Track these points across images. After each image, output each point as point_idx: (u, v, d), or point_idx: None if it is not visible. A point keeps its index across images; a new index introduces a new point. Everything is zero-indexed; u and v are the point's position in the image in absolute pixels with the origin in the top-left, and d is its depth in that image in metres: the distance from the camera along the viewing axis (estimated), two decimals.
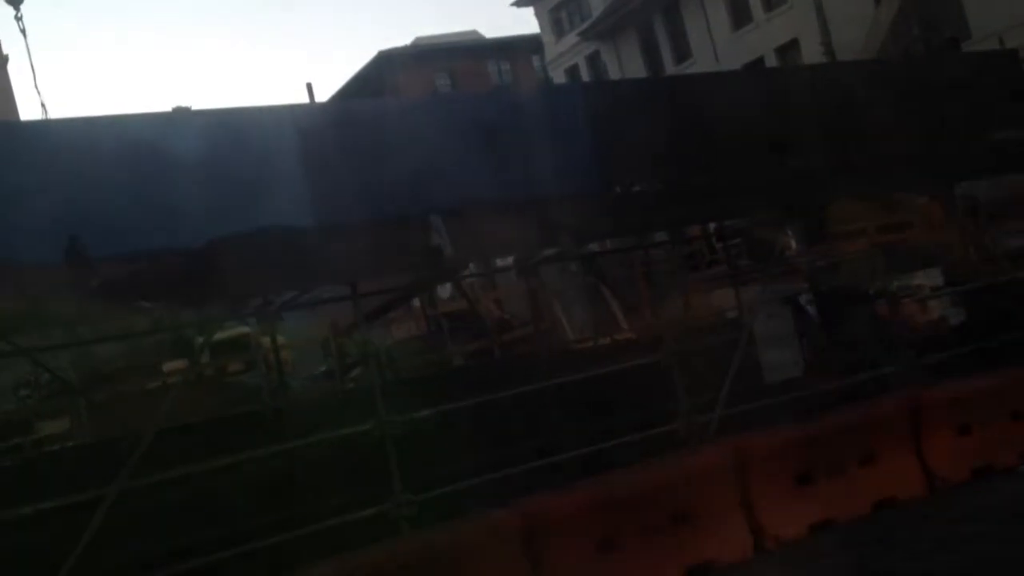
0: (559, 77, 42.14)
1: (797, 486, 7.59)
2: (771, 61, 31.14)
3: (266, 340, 11.41)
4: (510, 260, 13.15)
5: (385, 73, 44.67)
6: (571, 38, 41.69)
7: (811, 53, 27.24)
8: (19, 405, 14.99)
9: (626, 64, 38.35)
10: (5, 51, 45.55)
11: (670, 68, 35.95)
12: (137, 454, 6.26)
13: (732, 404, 8.15)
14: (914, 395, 8.29)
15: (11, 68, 46.45)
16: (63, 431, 12.30)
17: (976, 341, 9.39)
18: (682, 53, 36.04)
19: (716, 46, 33.86)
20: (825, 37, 23.89)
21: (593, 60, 40.81)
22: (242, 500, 7.26)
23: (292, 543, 6.53)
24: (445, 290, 15.70)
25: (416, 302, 15.05)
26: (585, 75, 41.02)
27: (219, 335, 14.19)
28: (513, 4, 43.78)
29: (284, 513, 6.97)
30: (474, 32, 50.78)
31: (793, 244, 10.40)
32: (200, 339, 11.65)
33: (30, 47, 41.23)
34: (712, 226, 11.98)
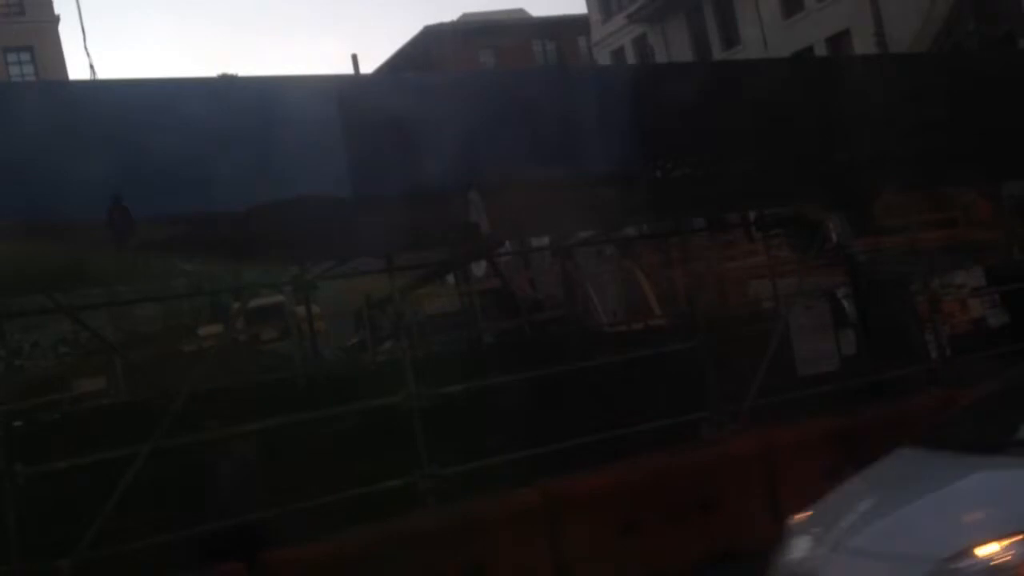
0: (604, 59, 41.83)
1: (825, 480, 7.52)
2: (821, 51, 30.61)
3: (300, 309, 11.50)
4: (545, 240, 13.14)
5: (430, 49, 44.62)
6: (618, 20, 41.31)
7: (863, 44, 26.78)
8: (59, 361, 15.29)
9: (673, 48, 37.93)
10: (56, 11, 45.94)
11: (718, 54, 35.49)
12: (170, 415, 6.35)
13: (766, 395, 8.09)
14: (946, 393, 8.17)
15: (62, 29, 46.94)
16: (99, 389, 12.55)
17: (1015, 343, 9.22)
18: (731, 39, 35.57)
19: (766, 33, 33.35)
20: (878, 28, 23.45)
21: (640, 43, 40.41)
22: (271, 465, 7.35)
23: (319, 509, 6.60)
24: (480, 267, 15.72)
25: (451, 278, 15.09)
26: (631, 58, 40.68)
27: (255, 302, 14.35)
28: None
29: (311, 480, 7.03)
30: (521, 10, 50.53)
31: (834, 237, 10.25)
32: (236, 305, 11.77)
33: (81, 8, 41.75)
34: (752, 215, 11.84)
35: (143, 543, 6.06)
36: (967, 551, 4.17)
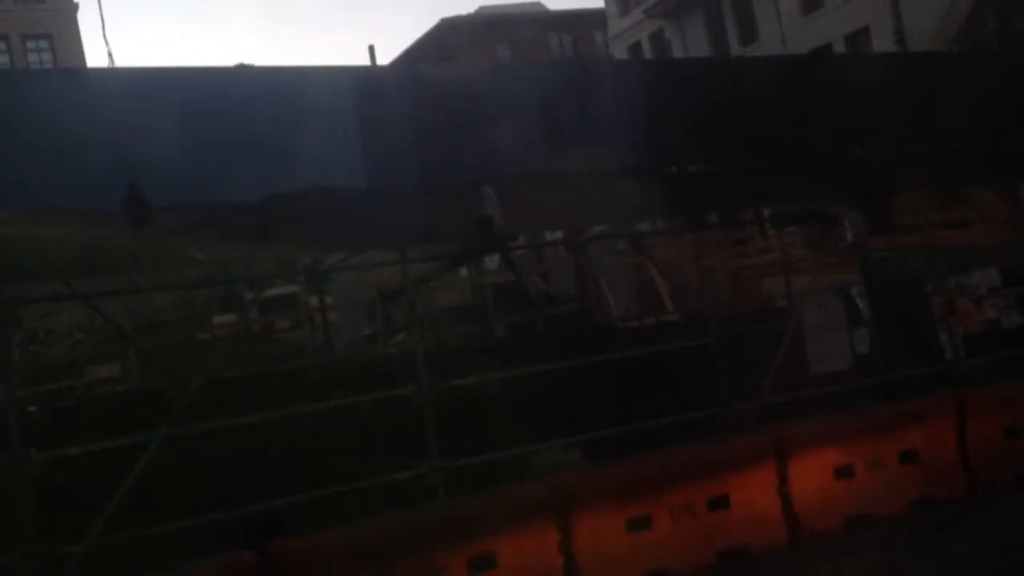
0: (621, 53, 41.68)
1: (836, 478, 7.51)
2: (840, 48, 30.43)
3: (313, 300, 11.52)
4: (559, 234, 13.13)
5: (447, 41, 44.62)
6: (636, 14, 41.15)
7: (882, 42, 26.61)
8: (73, 347, 15.39)
9: (690, 44, 37.78)
10: None
11: (736, 50, 35.32)
12: (183, 403, 6.38)
13: (778, 393, 8.07)
14: (960, 394, 8.14)
15: (80, 16, 47.14)
16: (113, 376, 12.62)
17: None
18: (748, 35, 35.39)
19: (784, 30, 33.17)
20: (897, 26, 23.29)
21: (657, 38, 40.26)
22: (282, 456, 7.37)
23: (327, 501, 6.62)
24: (492, 261, 15.71)
25: (463, 271, 15.08)
26: (648, 53, 40.52)
27: (268, 292, 14.39)
28: None
29: (321, 472, 7.05)
30: (538, 4, 50.42)
31: (849, 235, 10.21)
32: (250, 295, 11.81)
33: None
34: (766, 212, 11.81)
35: (155, 531, 6.09)
36: None
